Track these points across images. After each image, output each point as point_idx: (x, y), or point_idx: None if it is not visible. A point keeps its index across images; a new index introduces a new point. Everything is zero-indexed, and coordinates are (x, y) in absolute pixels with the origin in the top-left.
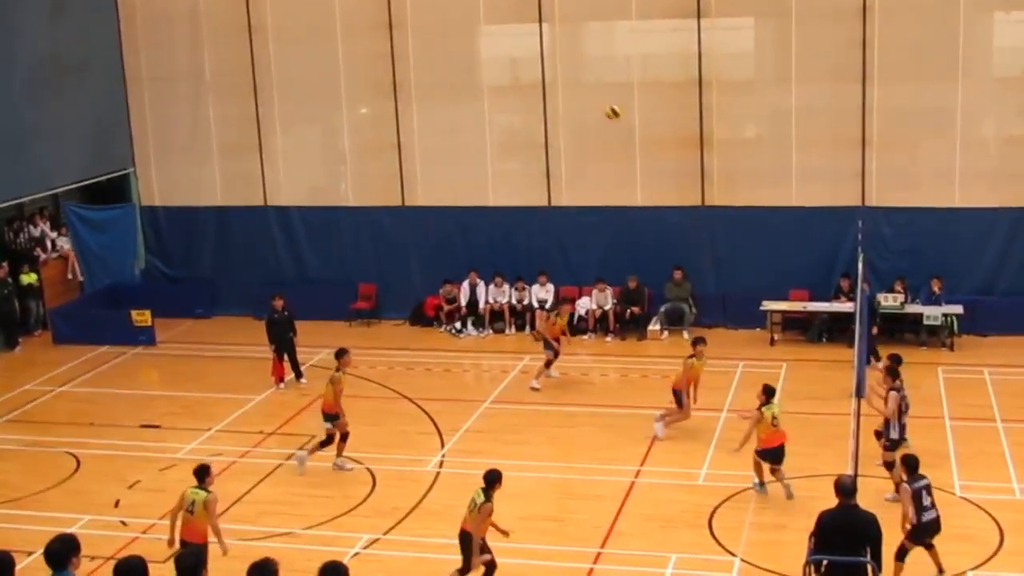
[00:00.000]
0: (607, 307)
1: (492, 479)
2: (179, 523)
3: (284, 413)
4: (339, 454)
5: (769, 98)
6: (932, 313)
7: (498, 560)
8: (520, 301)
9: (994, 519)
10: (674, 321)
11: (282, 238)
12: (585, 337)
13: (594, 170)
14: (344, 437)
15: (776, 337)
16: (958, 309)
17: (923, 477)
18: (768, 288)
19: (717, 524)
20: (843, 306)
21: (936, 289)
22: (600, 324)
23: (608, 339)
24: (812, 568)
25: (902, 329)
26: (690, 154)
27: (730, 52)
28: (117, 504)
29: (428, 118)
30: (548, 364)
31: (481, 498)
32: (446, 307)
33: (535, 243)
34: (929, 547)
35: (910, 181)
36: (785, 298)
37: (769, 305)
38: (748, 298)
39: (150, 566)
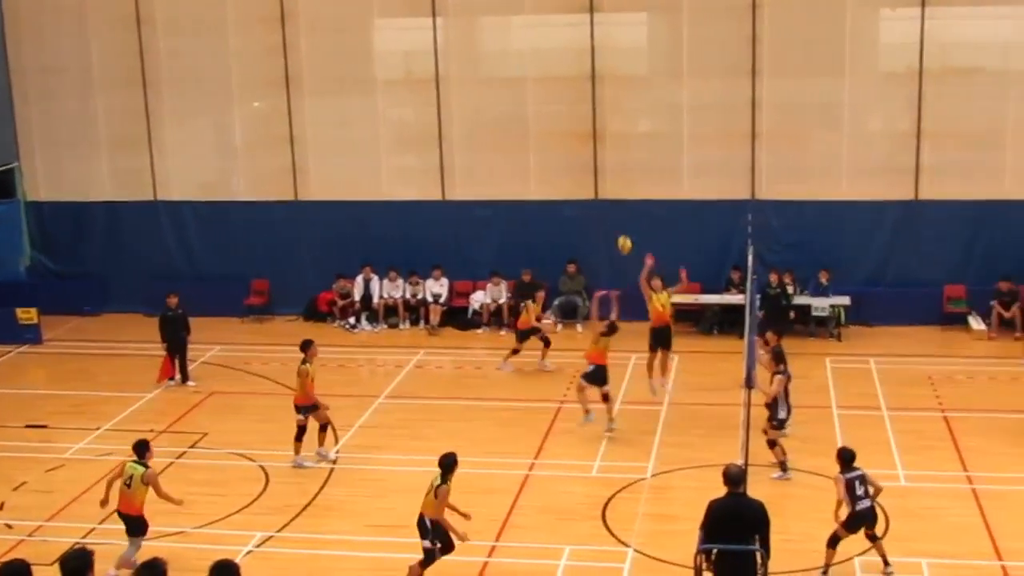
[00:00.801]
0: (501, 301)
1: (448, 464)
2: (115, 492)
3: (175, 411)
4: (320, 444)
5: (661, 93)
6: (820, 304)
7: (391, 556)
8: (414, 296)
9: (880, 505)
10: (568, 314)
11: (173, 233)
12: (479, 331)
13: (488, 164)
14: (324, 427)
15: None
16: (845, 300)
17: (857, 469)
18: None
19: (611, 515)
20: (734, 298)
21: (824, 280)
22: (495, 318)
23: (502, 332)
24: (703, 557)
25: (791, 320)
26: (584, 148)
27: (623, 47)
28: (1, 506)
29: (321, 111)
30: (515, 352)
31: (439, 481)
32: (340, 302)
33: (429, 237)
34: (874, 539)
35: (799, 174)
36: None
37: None
38: (640, 291)
39: (37, 569)
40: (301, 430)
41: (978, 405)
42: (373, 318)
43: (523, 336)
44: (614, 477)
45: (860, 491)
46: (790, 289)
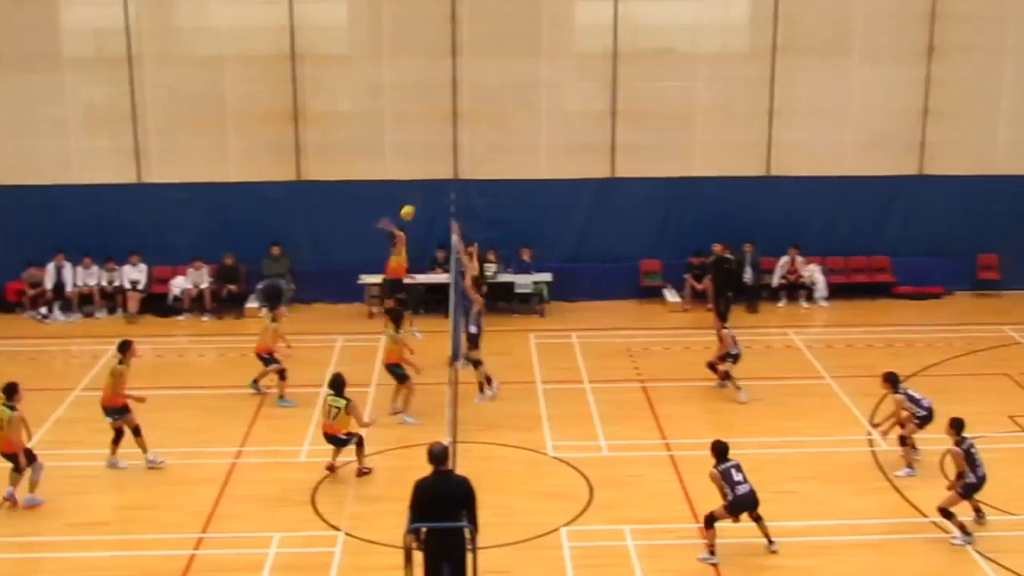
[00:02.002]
0: (203, 286)
1: (338, 383)
2: None
3: None
4: (143, 450)
5: (362, 72)
6: (523, 281)
7: (92, 555)
8: (111, 283)
9: (584, 475)
10: (272, 298)
11: None
12: (180, 318)
13: (186, 145)
14: (135, 431)
15: (375, 310)
16: (547, 277)
17: (731, 460)
18: (365, 262)
19: (320, 500)
20: (438, 277)
21: (526, 258)
22: (196, 303)
23: (204, 319)
24: (413, 537)
25: (496, 298)
26: (285, 128)
27: (322, 25)
28: None
29: (3, 90)
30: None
31: (340, 402)
32: (30, 291)
33: (125, 222)
34: (757, 519)
35: (499, 154)
36: (382, 271)
37: (366, 279)
38: (346, 272)
39: None
40: (119, 432)
41: (674, 375)
42: (67, 307)
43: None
44: (322, 462)
45: (738, 477)
46: (494, 268)
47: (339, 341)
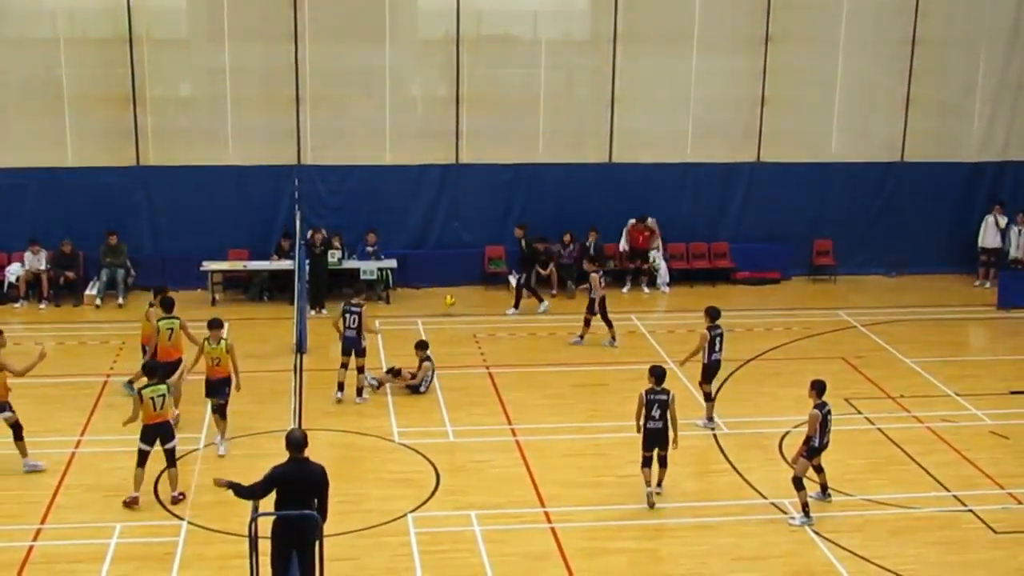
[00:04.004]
0: (41, 268)
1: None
2: None
3: None
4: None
5: (202, 56)
6: (368, 268)
7: None
8: None
9: (430, 462)
10: (112, 285)
11: None
12: (16, 305)
13: (19, 130)
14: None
15: (218, 297)
16: (392, 263)
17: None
18: (207, 248)
19: (164, 489)
20: (282, 264)
21: (371, 244)
22: (32, 290)
23: (42, 306)
24: (256, 525)
25: (340, 284)
26: (123, 113)
27: (160, 9)
28: None
29: None
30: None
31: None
32: None
33: None
34: (662, 461)
35: (343, 139)
36: (225, 258)
37: (209, 265)
38: (188, 259)
39: None
40: (16, 428)
41: (518, 360)
42: None
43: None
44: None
45: (655, 413)
46: (338, 254)
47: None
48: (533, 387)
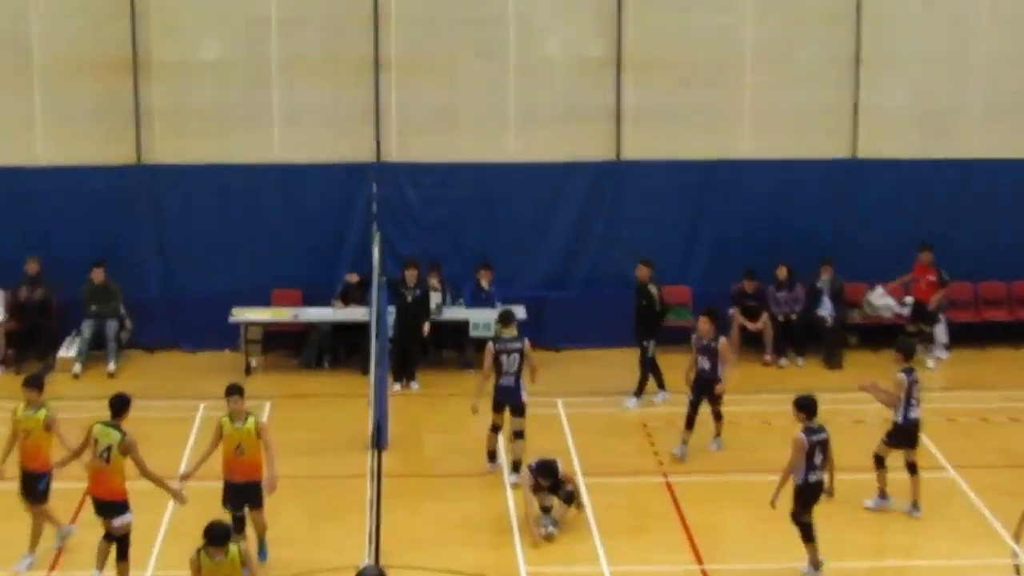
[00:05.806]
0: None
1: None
2: None
3: None
4: None
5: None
6: (480, 319)
7: None
8: None
9: None
10: (99, 343)
11: None
12: None
13: None
14: None
15: (254, 362)
16: (519, 311)
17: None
18: (240, 289)
19: None
20: (352, 313)
21: (485, 282)
22: None
23: None
24: None
25: (441, 343)
26: (118, 87)
27: None
28: None
29: None
30: None
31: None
32: None
33: None
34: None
35: (445, 124)
36: (267, 304)
37: (242, 314)
38: (210, 304)
39: None
40: None
41: (711, 463)
42: None
43: None
44: None
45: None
46: (437, 299)
47: (201, 409)
48: (734, 503)
